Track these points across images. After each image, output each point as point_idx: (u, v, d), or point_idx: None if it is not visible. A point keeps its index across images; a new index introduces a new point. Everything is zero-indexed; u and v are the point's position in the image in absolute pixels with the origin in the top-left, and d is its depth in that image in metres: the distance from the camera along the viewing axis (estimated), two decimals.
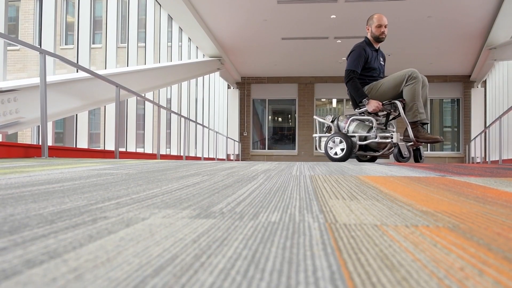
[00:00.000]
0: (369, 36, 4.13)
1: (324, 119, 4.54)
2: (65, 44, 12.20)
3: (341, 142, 4.11)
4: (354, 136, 4.14)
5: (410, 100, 3.74)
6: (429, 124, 4.00)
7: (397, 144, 3.91)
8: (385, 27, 4.06)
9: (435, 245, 0.48)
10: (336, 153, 4.16)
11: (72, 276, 0.35)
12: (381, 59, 4.20)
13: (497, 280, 0.36)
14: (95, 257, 0.41)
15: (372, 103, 3.91)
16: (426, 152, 14.06)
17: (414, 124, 3.76)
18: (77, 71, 5.25)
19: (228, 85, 14.13)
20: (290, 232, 0.54)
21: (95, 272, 0.37)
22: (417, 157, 4.10)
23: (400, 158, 4.01)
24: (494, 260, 0.42)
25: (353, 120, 4.21)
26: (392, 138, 3.90)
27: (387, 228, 0.58)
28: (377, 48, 4.14)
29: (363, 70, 4.02)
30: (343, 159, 4.09)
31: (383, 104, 3.91)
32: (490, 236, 0.53)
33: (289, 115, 15.00)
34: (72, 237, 0.50)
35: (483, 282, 0.35)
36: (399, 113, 3.89)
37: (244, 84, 14.60)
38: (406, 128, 3.79)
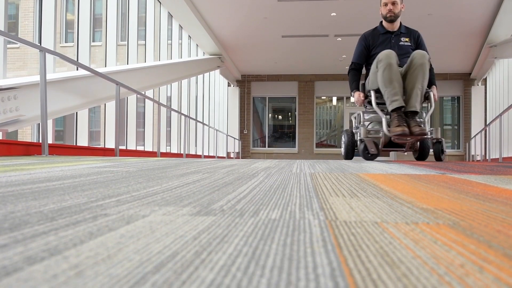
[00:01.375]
0: (381, 18, 3.76)
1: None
2: (65, 42, 12.19)
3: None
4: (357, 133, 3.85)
5: (380, 87, 3.32)
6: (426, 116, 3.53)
7: (363, 139, 3.50)
8: (393, 4, 3.59)
9: (435, 242, 0.48)
10: (342, 150, 4.00)
11: (73, 273, 0.35)
12: (403, 39, 3.68)
13: (498, 277, 0.36)
14: (95, 254, 0.41)
15: (354, 95, 3.64)
16: None
17: (393, 114, 3.28)
18: (77, 69, 5.25)
19: (228, 83, 14.12)
20: (291, 229, 0.54)
21: (96, 268, 0.37)
22: (437, 153, 3.50)
23: (365, 155, 3.57)
24: (495, 257, 0.42)
25: (364, 113, 3.85)
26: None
27: (387, 225, 0.58)
28: (392, 29, 3.69)
29: (370, 59, 3.68)
30: (344, 156, 3.88)
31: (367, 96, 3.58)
32: (490, 234, 0.53)
33: (289, 113, 15.00)
34: (72, 234, 0.50)
35: (483, 278, 0.35)
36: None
37: (244, 82, 14.59)
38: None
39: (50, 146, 3.59)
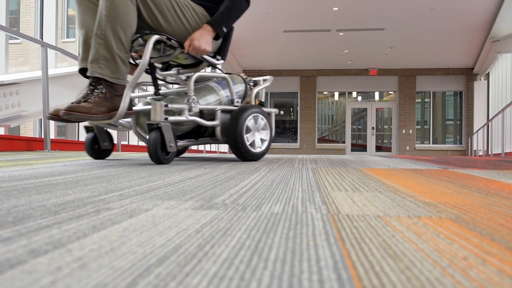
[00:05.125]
0: None
1: None
2: (67, 37, 12.17)
3: None
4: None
5: None
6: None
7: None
8: None
9: (438, 235, 0.48)
10: None
11: (77, 265, 0.35)
12: None
13: (500, 270, 0.36)
14: (99, 247, 0.41)
15: None
16: (426, 145, 14.02)
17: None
18: None
19: None
20: (293, 223, 0.54)
21: (100, 261, 0.37)
22: (152, 149, 1.63)
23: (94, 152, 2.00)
24: (497, 250, 0.42)
25: None
26: None
27: (389, 219, 0.58)
28: None
29: None
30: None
31: None
32: (493, 227, 0.53)
33: (291, 108, 14.97)
34: (76, 227, 0.50)
35: (486, 271, 0.35)
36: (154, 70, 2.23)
37: None
38: None
39: (52, 141, 3.59)
